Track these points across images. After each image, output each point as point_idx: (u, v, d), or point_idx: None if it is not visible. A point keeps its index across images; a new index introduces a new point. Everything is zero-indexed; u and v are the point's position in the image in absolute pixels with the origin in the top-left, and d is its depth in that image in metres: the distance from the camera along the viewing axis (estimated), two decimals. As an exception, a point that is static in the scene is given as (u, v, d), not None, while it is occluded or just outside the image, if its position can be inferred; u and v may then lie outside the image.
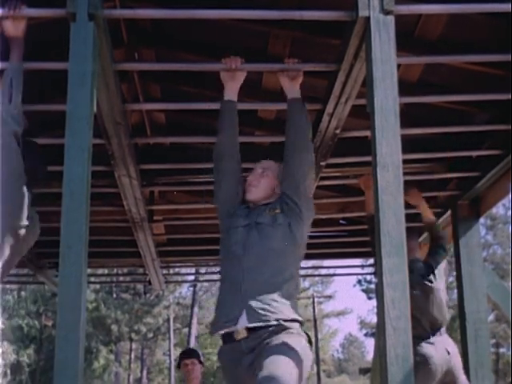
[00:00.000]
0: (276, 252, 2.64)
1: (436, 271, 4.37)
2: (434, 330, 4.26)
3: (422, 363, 4.05)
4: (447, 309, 4.47)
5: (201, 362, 4.81)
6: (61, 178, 2.30)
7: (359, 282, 30.65)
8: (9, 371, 23.41)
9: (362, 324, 31.51)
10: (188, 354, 4.93)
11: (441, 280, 4.42)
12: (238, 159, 2.90)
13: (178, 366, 4.85)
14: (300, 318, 2.61)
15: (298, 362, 2.45)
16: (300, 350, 2.50)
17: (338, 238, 6.08)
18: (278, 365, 2.38)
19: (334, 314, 35.30)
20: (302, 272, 8.53)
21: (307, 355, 2.54)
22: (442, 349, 4.21)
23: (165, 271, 6.94)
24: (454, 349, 4.29)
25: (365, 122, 2.91)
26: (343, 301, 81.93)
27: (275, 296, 2.56)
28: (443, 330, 4.33)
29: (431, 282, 4.34)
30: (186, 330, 29.23)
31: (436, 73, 3.53)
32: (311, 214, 2.81)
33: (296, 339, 2.53)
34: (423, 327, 4.22)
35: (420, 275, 4.31)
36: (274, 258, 2.63)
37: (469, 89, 3.52)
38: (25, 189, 2.63)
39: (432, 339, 4.23)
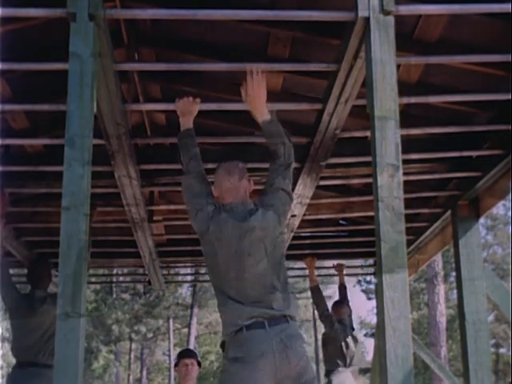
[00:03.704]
0: None
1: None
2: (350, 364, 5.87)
3: None
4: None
5: (199, 364, 4.79)
6: (61, 178, 2.30)
7: (359, 282, 30.63)
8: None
9: (362, 324, 31.45)
10: (188, 353, 4.91)
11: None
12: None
13: (176, 365, 4.82)
14: None
15: None
16: None
17: (338, 239, 6.08)
18: None
19: (334, 315, 35.23)
20: (302, 272, 8.54)
21: None
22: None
23: (165, 271, 6.92)
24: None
25: (365, 122, 2.91)
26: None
27: None
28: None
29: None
30: (185, 330, 29.19)
31: (436, 73, 3.53)
32: None
33: None
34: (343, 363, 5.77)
35: (351, 327, 5.97)
36: None
37: (469, 89, 3.51)
38: None
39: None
